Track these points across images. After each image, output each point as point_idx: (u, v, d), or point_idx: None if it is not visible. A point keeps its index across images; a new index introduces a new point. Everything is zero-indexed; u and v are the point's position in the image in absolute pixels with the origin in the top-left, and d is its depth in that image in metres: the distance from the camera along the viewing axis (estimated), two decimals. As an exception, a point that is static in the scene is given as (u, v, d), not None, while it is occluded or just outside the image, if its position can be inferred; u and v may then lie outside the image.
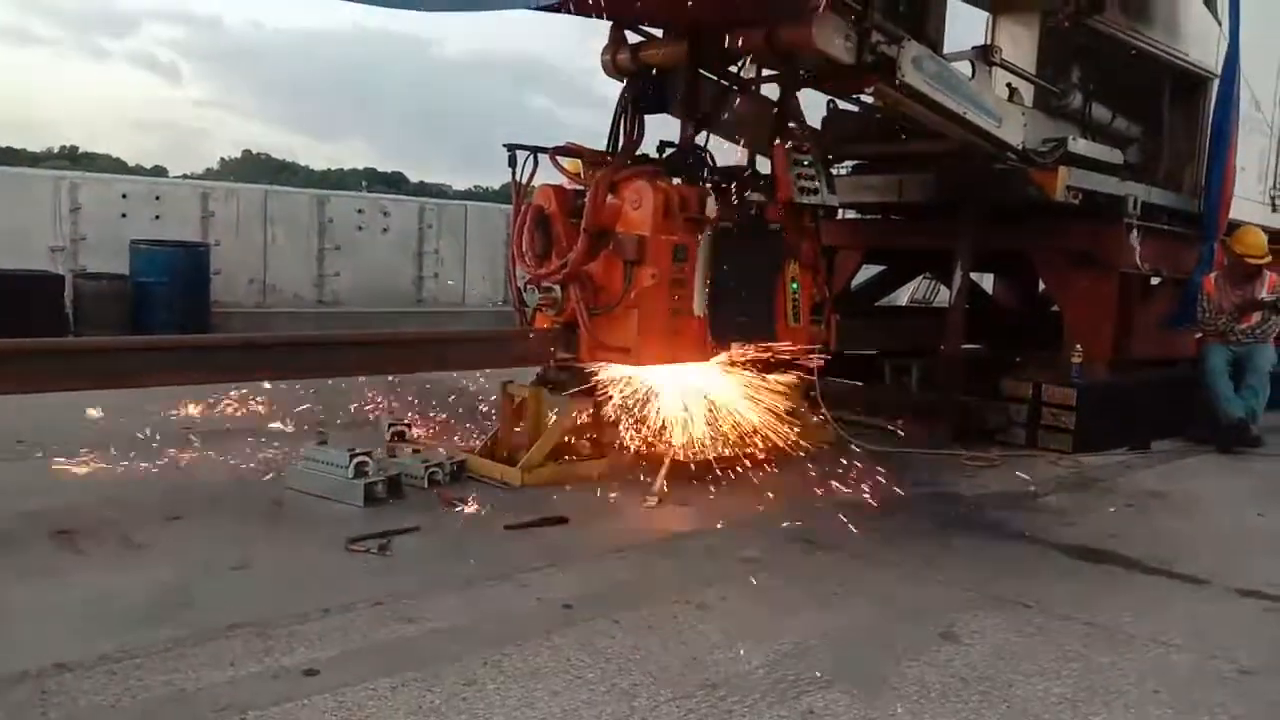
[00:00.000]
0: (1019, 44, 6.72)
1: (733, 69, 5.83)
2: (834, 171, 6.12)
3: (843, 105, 6.80)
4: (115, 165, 42.45)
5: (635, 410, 5.32)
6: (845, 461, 5.33)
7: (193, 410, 5.97)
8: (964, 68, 5.81)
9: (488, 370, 6.07)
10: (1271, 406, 7.24)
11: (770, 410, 5.42)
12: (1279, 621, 3.60)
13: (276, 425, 5.77)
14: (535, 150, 5.36)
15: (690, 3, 4.78)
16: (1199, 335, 7.23)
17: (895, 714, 2.65)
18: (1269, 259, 7.10)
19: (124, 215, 11.56)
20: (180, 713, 2.46)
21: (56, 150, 49.65)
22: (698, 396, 5.35)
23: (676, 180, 5.12)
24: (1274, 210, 8.38)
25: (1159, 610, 3.62)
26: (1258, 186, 8.18)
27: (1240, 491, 5.78)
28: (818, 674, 2.85)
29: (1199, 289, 7.15)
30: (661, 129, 5.70)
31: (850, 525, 4.41)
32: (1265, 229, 7.49)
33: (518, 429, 5.16)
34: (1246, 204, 7.77)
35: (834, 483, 5.06)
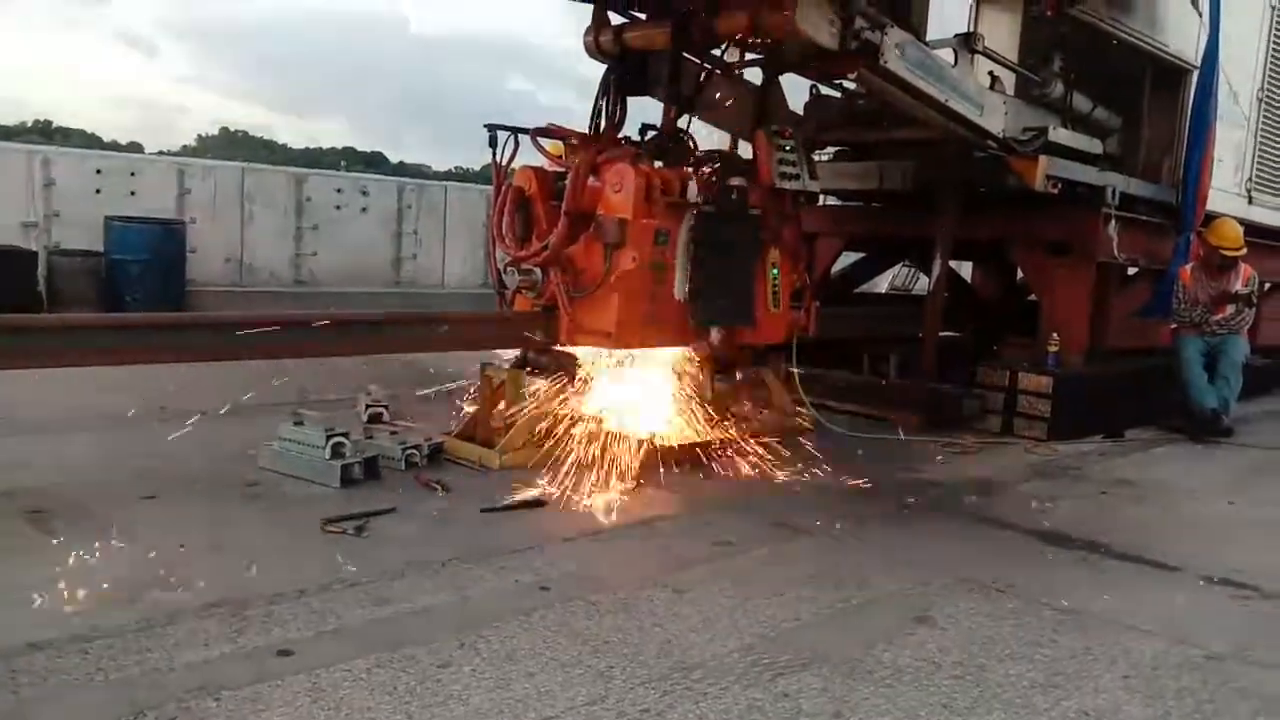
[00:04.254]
0: (1001, 32, 6.74)
1: (716, 52, 5.81)
2: (815, 157, 6.12)
3: (825, 91, 6.79)
4: (90, 141, 41.91)
5: (613, 394, 5.32)
6: (822, 447, 5.35)
7: (169, 389, 5.90)
8: (947, 55, 5.82)
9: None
10: (1243, 397, 7.32)
11: (747, 396, 5.44)
12: (1247, 609, 3.65)
13: (251, 404, 5.73)
14: (516, 131, 5.33)
15: None
16: (1174, 326, 7.29)
17: (868, 696, 2.67)
18: (1244, 251, 7.16)
19: (99, 191, 11.41)
20: (153, 692, 2.44)
21: (30, 124, 48.95)
22: (676, 381, 5.35)
23: (658, 163, 5.11)
24: (1250, 203, 8.45)
25: (1130, 596, 3.66)
26: (1234, 178, 8.24)
27: (1212, 480, 5.85)
28: (792, 657, 2.87)
29: (1175, 280, 7.21)
30: (644, 112, 5.70)
31: (826, 510, 4.45)
32: (1241, 221, 7.55)
33: (496, 412, 5.15)
34: (1223, 196, 7.83)
35: (811, 468, 5.08)
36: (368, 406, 5.56)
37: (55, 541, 3.50)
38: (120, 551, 3.42)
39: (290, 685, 2.52)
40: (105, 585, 3.10)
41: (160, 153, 28.09)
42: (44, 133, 44.42)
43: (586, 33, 5.80)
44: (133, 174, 11.88)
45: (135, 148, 38.94)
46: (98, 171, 11.62)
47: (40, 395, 5.47)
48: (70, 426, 5.13)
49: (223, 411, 5.40)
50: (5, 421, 5.10)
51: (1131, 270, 7.46)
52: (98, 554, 3.39)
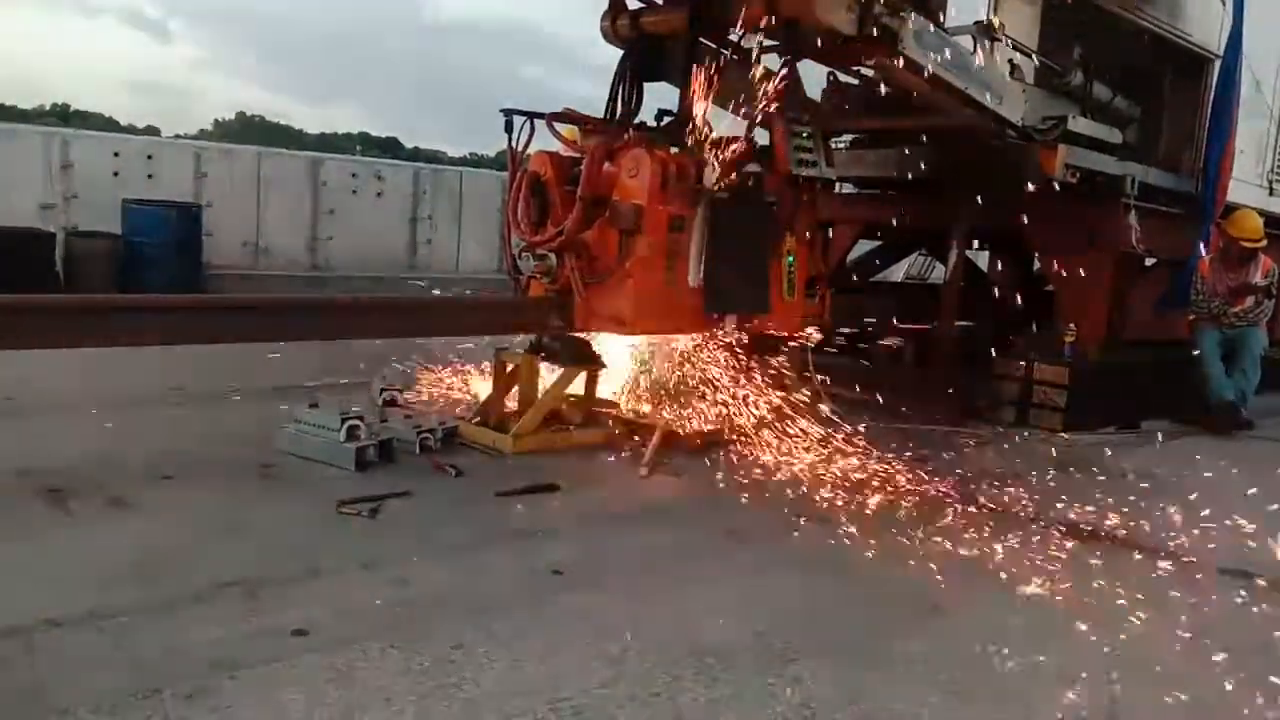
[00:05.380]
0: (1021, 20, 6.66)
1: (733, 38, 5.78)
2: (832, 145, 6.09)
3: (843, 78, 6.76)
4: (107, 124, 42.06)
5: (629, 380, 5.33)
6: (836, 436, 5.34)
7: (186, 370, 5.93)
8: (966, 42, 5.77)
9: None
10: (1261, 390, 7.27)
11: (763, 384, 5.43)
12: (1264, 602, 3.63)
13: (267, 386, 5.76)
14: (532, 116, 5.32)
15: None
16: (1192, 317, 7.24)
17: (880, 684, 2.67)
18: (1264, 243, 7.10)
19: (116, 174, 11.47)
20: (169, 669, 2.46)
21: (48, 108, 49.12)
22: (690, 367, 5.35)
23: (674, 149, 5.09)
24: (1271, 194, 8.36)
25: (1146, 589, 3.64)
26: (1255, 169, 8.16)
27: (1229, 473, 5.80)
28: (804, 643, 2.87)
29: (1194, 271, 7.15)
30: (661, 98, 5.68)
31: (839, 498, 4.44)
32: (1262, 213, 7.48)
33: (510, 396, 5.16)
34: (1244, 187, 7.75)
35: (825, 456, 5.07)
36: (382, 390, 5.57)
37: (72, 520, 3.53)
38: (137, 530, 3.45)
39: (305, 665, 2.53)
40: (122, 563, 3.12)
41: (177, 136, 28.22)
42: (62, 116, 44.55)
43: (603, 18, 5.78)
44: (150, 157, 11.93)
45: (152, 131, 39.04)
46: (115, 154, 11.68)
47: (58, 375, 5.50)
48: (88, 407, 5.15)
49: (239, 393, 5.44)
50: (24, 401, 5.13)
51: (1150, 261, 7.40)
52: (115, 533, 3.42)
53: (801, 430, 5.37)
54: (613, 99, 5.61)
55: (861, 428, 5.54)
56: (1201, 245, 7.22)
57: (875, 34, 4.97)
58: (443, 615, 2.90)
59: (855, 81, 6.83)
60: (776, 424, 5.37)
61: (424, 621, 2.84)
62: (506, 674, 2.57)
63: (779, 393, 5.50)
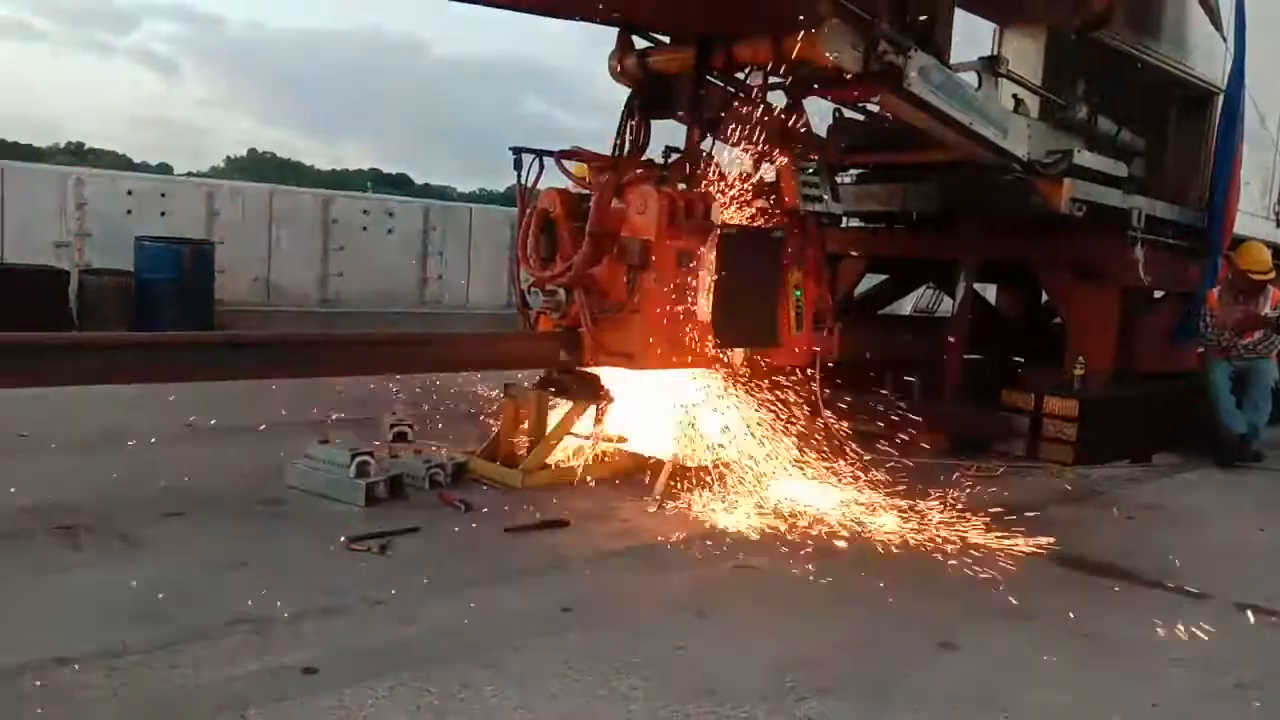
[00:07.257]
0: (1025, 56, 6.73)
1: (740, 76, 5.84)
2: (838, 179, 6.12)
3: (849, 113, 6.81)
4: (121, 162, 42.50)
5: (636, 415, 5.33)
6: (845, 469, 5.33)
7: (195, 407, 5.96)
8: (970, 78, 5.82)
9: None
10: (1273, 422, 7.23)
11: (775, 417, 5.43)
12: (1277, 636, 3.60)
13: (276, 422, 5.77)
14: (541, 154, 5.37)
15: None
16: (1202, 350, 7.22)
17: (893, 722, 2.65)
18: (1273, 275, 7.09)
19: (129, 212, 11.58)
20: (179, 709, 2.46)
21: (63, 146, 49.67)
22: (699, 402, 5.35)
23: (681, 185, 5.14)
24: (1278, 225, 8.38)
25: (1159, 623, 3.61)
26: (1262, 201, 8.18)
27: (1241, 506, 5.78)
28: (816, 681, 2.85)
29: (1202, 303, 7.15)
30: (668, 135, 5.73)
31: (849, 533, 4.42)
32: (1269, 244, 7.49)
33: (519, 431, 5.17)
34: (1250, 219, 7.77)
35: (835, 490, 5.06)
36: (392, 425, 5.58)
37: (82, 557, 3.54)
38: (147, 568, 3.45)
39: (315, 703, 2.53)
40: (131, 601, 3.12)
41: (189, 174, 28.49)
42: (76, 154, 45.05)
43: (611, 57, 5.85)
44: (163, 195, 12.05)
45: (165, 168, 39.42)
46: (129, 193, 11.80)
47: (69, 413, 5.53)
48: (98, 444, 5.18)
49: (250, 429, 5.45)
50: (36, 437, 5.16)
51: (1158, 294, 7.40)
52: (124, 570, 3.42)
53: (811, 464, 5.36)
54: (620, 136, 5.66)
55: (870, 461, 5.53)
56: (1209, 278, 7.22)
57: (880, 71, 5.01)
58: (452, 653, 2.90)
59: (861, 117, 6.89)
60: (786, 458, 5.36)
61: (433, 659, 2.84)
62: (515, 713, 2.56)
63: (790, 426, 5.50)
